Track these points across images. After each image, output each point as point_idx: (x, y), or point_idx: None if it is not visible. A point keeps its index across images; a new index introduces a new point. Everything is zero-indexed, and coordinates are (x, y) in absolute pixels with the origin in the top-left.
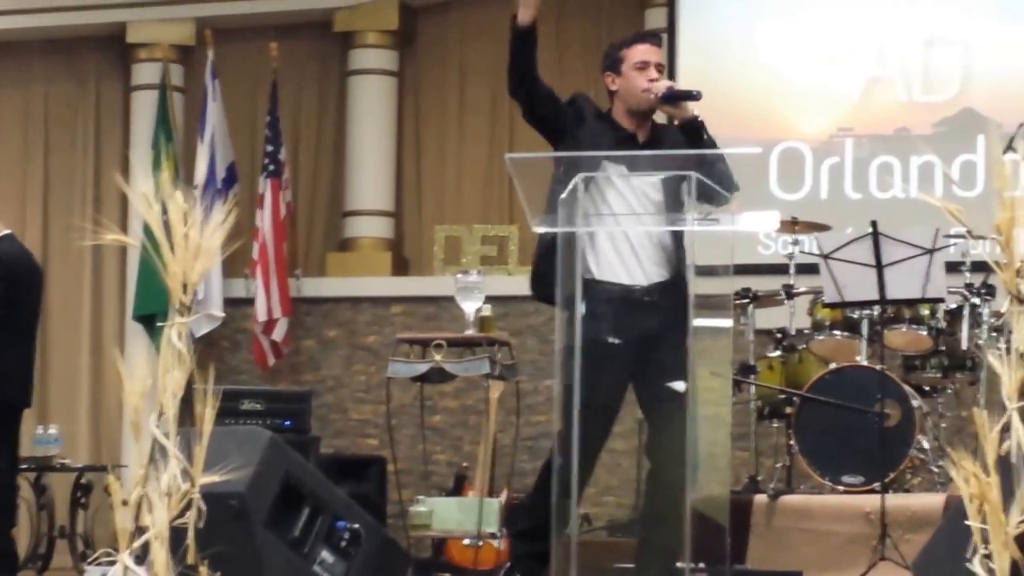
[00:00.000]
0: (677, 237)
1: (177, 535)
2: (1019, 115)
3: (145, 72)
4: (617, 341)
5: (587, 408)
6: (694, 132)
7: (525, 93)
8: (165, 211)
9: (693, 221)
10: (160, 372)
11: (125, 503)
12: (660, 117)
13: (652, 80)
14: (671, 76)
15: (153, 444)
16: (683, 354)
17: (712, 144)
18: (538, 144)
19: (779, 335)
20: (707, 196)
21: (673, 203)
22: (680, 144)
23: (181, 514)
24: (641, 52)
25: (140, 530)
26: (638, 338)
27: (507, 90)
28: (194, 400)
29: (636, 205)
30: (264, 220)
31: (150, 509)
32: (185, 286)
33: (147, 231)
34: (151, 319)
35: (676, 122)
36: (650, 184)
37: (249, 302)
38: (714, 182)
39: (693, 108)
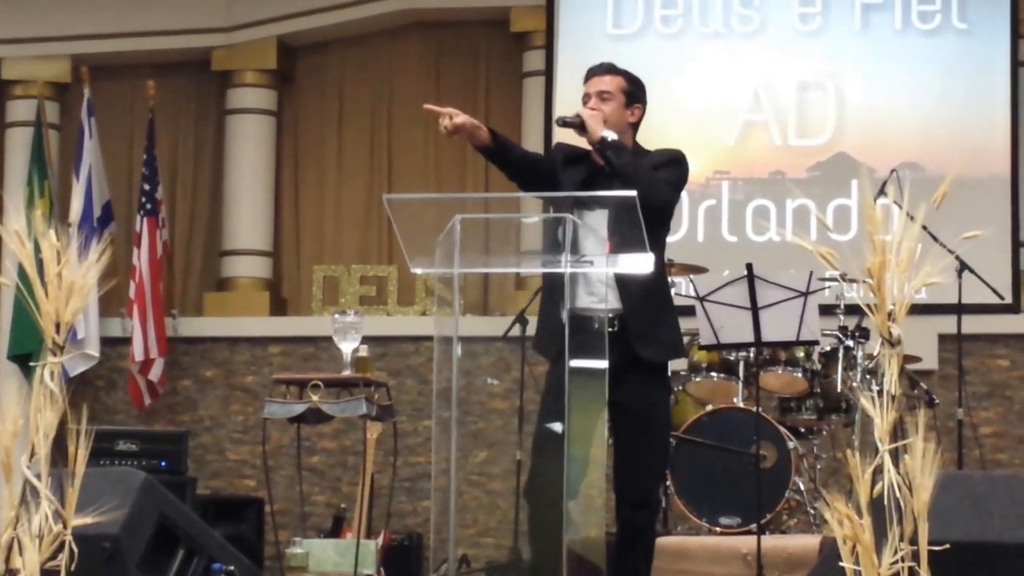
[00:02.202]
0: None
1: None
2: (891, 160)
3: (20, 109)
4: (495, 382)
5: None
6: (603, 154)
7: (522, 180)
8: (39, 249)
9: (568, 263)
10: (32, 412)
11: None
12: (647, 143)
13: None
14: (548, 120)
15: (24, 485)
16: (647, 390)
17: (629, 164)
18: (417, 185)
19: None
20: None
21: (615, 236)
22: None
23: (53, 556)
24: (586, 86)
25: (11, 572)
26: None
27: None
28: (67, 440)
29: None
30: (141, 259)
31: (21, 551)
32: (58, 325)
33: (21, 270)
34: (26, 358)
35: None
36: (599, 221)
37: (125, 341)
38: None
39: (601, 131)
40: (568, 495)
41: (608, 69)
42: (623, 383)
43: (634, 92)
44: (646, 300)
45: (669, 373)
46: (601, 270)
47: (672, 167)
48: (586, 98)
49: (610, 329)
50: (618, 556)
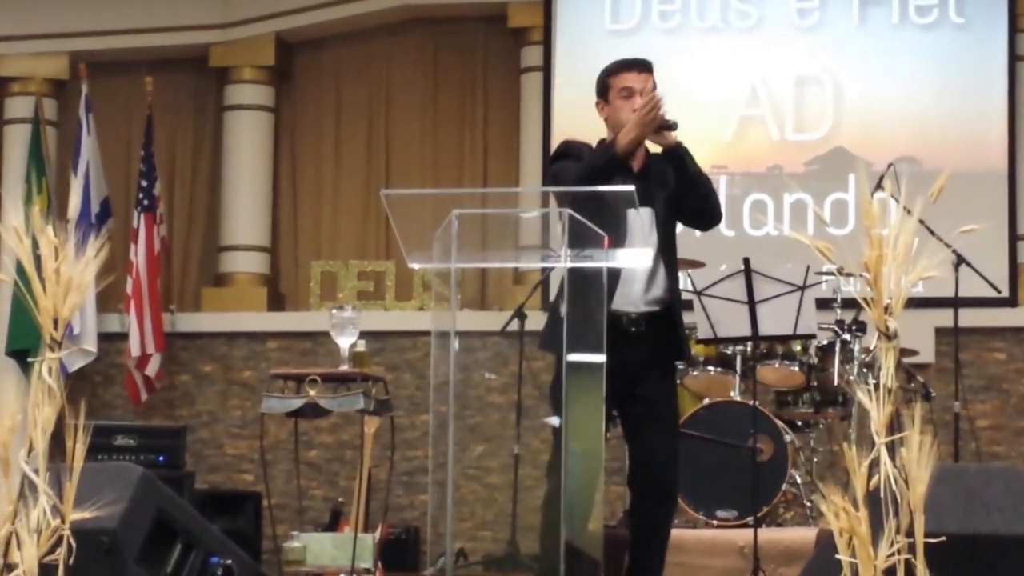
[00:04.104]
0: (670, 268)
1: (47, 572)
2: (889, 154)
3: (18, 106)
4: (492, 376)
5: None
6: (678, 160)
7: None
8: (37, 246)
9: (566, 258)
10: (30, 407)
11: None
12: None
13: (636, 109)
14: (546, 115)
15: (23, 480)
16: (667, 387)
17: (698, 172)
18: (414, 180)
19: None
20: (693, 221)
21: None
22: (667, 171)
23: (51, 551)
24: (626, 80)
25: (9, 567)
26: (621, 368)
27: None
28: (65, 436)
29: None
30: (138, 255)
31: (19, 546)
32: (56, 321)
33: (19, 266)
34: (24, 354)
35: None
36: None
37: (123, 337)
38: (696, 210)
39: (674, 136)
40: (584, 488)
41: (651, 66)
42: (648, 381)
43: None
44: (677, 303)
45: None
46: (601, 265)
47: None
48: (629, 93)
49: (634, 330)
50: (640, 550)
